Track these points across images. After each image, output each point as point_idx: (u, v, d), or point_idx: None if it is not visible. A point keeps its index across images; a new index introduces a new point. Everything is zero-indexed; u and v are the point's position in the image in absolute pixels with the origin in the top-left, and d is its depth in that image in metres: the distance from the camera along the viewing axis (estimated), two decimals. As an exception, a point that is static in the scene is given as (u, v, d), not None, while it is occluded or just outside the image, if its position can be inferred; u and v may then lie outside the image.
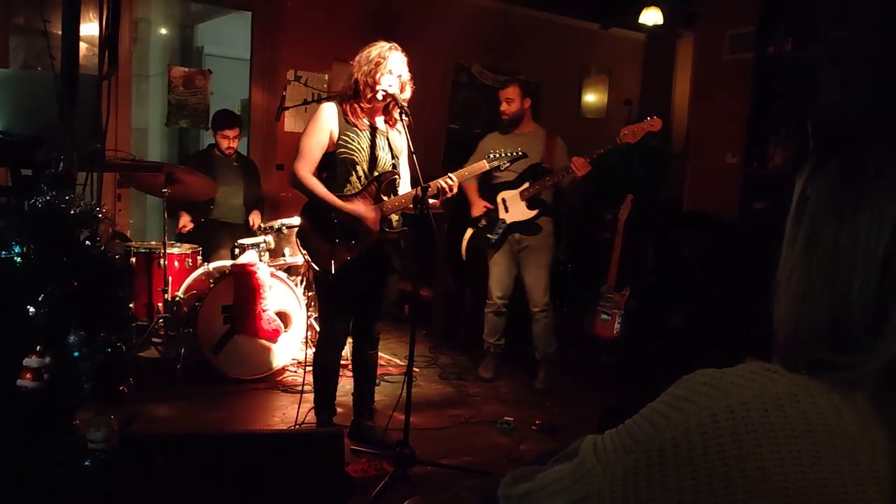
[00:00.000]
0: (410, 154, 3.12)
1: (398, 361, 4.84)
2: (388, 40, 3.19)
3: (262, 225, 4.84)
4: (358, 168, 3.19)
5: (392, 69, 3.12)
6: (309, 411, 3.55)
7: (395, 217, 3.28)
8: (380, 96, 3.13)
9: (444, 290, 5.61)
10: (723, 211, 4.82)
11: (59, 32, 2.44)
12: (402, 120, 3.15)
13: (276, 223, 4.65)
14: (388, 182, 3.23)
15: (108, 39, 2.52)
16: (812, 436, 0.70)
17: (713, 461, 0.71)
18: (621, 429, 0.80)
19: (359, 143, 3.19)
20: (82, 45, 2.58)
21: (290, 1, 5.87)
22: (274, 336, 4.29)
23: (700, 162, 5.40)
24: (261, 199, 5.37)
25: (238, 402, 4.00)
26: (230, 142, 5.14)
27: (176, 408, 3.79)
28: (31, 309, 2.08)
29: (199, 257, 4.70)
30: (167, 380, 4.11)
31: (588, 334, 4.80)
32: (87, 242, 2.24)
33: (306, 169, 3.16)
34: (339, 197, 3.16)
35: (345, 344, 3.45)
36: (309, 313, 4.56)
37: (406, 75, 3.18)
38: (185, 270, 4.53)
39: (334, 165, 3.21)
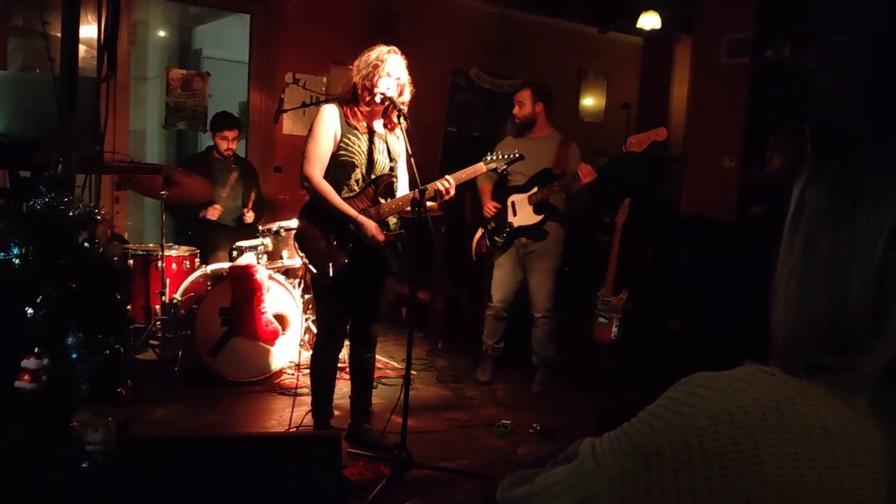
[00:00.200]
0: (408, 157, 3.13)
1: (395, 364, 4.84)
2: (386, 44, 3.20)
3: (260, 228, 4.83)
4: (357, 171, 3.20)
5: (390, 72, 3.12)
6: (306, 414, 3.55)
7: (392, 220, 3.28)
8: (378, 99, 3.13)
9: (442, 293, 5.61)
10: (720, 215, 4.83)
11: (59, 34, 2.44)
12: (400, 124, 3.15)
13: (274, 226, 4.65)
14: (385, 185, 3.23)
15: (108, 42, 2.52)
16: (810, 438, 0.71)
17: (711, 464, 0.72)
18: (619, 432, 0.80)
19: (358, 147, 3.19)
20: (81, 48, 2.58)
21: (288, 4, 5.88)
22: (272, 338, 4.29)
23: (698, 166, 5.42)
24: (261, 202, 5.36)
25: (235, 404, 3.99)
26: (229, 143, 5.14)
27: (173, 410, 3.78)
28: (30, 310, 2.08)
29: (197, 259, 4.70)
30: (164, 382, 4.11)
31: (587, 337, 4.81)
32: (86, 244, 2.24)
33: (318, 172, 3.16)
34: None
35: (342, 347, 3.44)
36: (306, 316, 4.56)
37: (405, 78, 3.18)
38: (182, 272, 4.53)
39: (333, 168, 3.21)
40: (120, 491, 2.00)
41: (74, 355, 2.09)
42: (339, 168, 3.19)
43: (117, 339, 2.25)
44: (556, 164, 4.31)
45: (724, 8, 5.17)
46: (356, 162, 3.19)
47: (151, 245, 4.75)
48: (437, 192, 3.18)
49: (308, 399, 3.53)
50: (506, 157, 3.45)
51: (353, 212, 3.15)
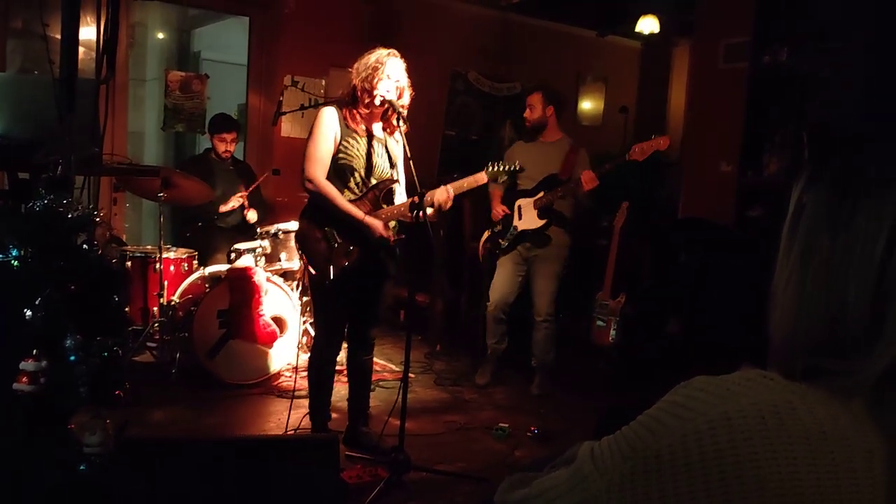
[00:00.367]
0: (407, 160, 3.13)
1: (394, 367, 4.84)
2: (385, 47, 3.21)
3: (258, 230, 4.82)
4: (356, 174, 3.20)
5: (390, 74, 3.13)
6: (304, 417, 3.54)
7: (391, 224, 3.29)
8: (377, 102, 3.13)
9: (442, 296, 5.61)
10: (718, 219, 4.83)
11: (58, 36, 2.44)
12: (399, 127, 3.16)
13: (273, 228, 4.65)
14: (387, 190, 3.24)
15: (107, 44, 2.52)
16: (808, 443, 0.71)
17: (710, 468, 0.72)
18: (618, 435, 0.80)
19: (357, 150, 3.19)
20: (80, 50, 2.58)
21: (287, 6, 5.88)
22: (270, 341, 4.28)
23: (695, 170, 5.42)
24: (262, 204, 5.35)
25: (233, 406, 3.99)
26: (227, 145, 5.14)
27: (171, 412, 3.78)
28: (28, 312, 2.08)
29: (195, 261, 4.69)
30: (162, 384, 4.10)
31: (586, 340, 4.81)
32: (85, 246, 2.24)
33: (320, 173, 3.15)
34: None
35: (340, 349, 3.44)
36: (304, 318, 4.56)
37: (404, 81, 3.19)
38: (180, 275, 4.53)
39: (332, 170, 3.21)
40: (118, 493, 1.99)
41: (73, 357, 2.09)
42: (337, 171, 3.19)
43: (115, 341, 2.25)
44: (563, 170, 4.31)
45: (723, 13, 5.18)
46: (355, 165, 3.19)
47: (149, 247, 4.74)
48: (438, 203, 3.18)
49: (306, 402, 3.53)
50: (507, 168, 3.48)
51: (360, 213, 3.15)
